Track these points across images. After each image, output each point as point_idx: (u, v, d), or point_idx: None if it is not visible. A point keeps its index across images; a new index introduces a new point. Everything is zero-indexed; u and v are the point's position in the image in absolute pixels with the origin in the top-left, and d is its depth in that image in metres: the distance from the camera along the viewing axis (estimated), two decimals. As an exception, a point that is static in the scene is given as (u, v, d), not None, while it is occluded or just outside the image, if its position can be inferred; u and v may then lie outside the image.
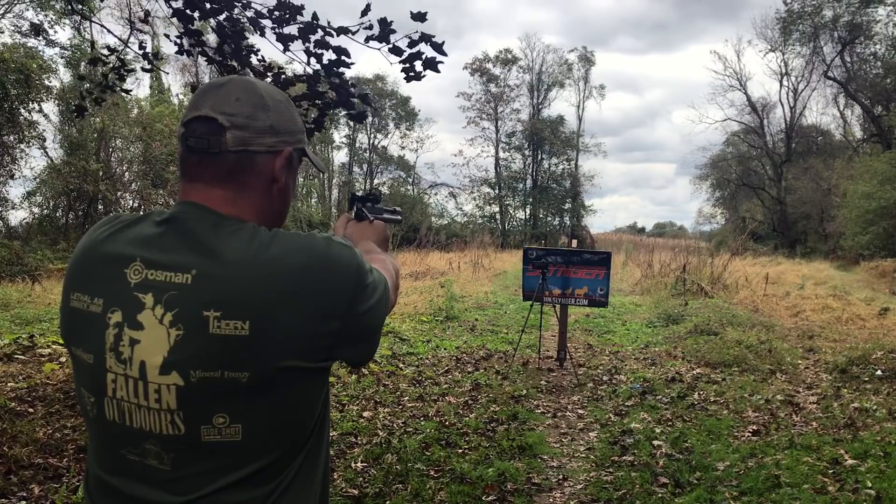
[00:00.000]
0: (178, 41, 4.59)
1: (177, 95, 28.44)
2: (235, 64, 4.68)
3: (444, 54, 4.02)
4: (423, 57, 4.07)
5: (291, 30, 4.20)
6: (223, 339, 0.91)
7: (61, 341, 6.96)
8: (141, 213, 1.10)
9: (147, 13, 4.89)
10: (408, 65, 4.10)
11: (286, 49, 4.21)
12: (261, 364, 0.93)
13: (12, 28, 18.87)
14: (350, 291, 0.98)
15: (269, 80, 4.65)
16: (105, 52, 4.97)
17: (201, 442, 0.95)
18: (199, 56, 4.75)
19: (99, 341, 0.98)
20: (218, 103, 1.01)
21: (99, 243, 1.04)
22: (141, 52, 4.86)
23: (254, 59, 4.65)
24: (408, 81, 4.19)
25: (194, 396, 0.93)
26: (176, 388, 0.93)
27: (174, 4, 4.30)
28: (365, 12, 3.89)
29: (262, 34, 4.24)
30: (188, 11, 4.29)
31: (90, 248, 1.05)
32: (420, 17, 3.91)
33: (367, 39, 4.00)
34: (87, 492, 1.08)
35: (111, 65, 4.83)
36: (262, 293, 0.92)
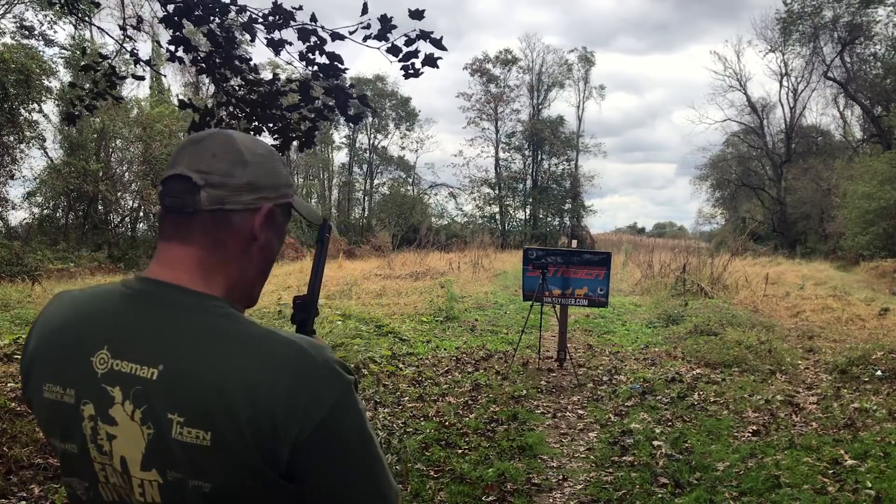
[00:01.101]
0: (169, 48, 4.59)
1: (176, 96, 28.44)
2: (227, 72, 4.68)
3: (444, 49, 4.01)
4: (422, 54, 4.07)
5: (287, 34, 4.19)
6: (184, 446, 0.87)
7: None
8: (99, 286, 1.04)
9: (140, 19, 4.88)
10: (406, 62, 4.10)
11: (277, 54, 4.21)
12: (222, 476, 0.88)
13: (12, 29, 18.88)
14: (325, 419, 0.88)
15: (261, 88, 4.65)
16: (97, 58, 4.97)
17: None
18: (191, 63, 4.74)
19: (78, 434, 0.94)
20: (194, 161, 0.97)
21: (61, 326, 0.98)
22: (132, 59, 4.85)
23: (245, 68, 4.65)
24: (406, 78, 4.19)
25: (174, 494, 0.90)
26: (158, 485, 0.90)
27: (168, 7, 4.30)
28: (364, 11, 3.89)
29: (254, 39, 4.24)
30: (176, 18, 4.28)
31: (53, 333, 0.99)
32: (417, 14, 3.91)
33: (366, 39, 4.00)
34: None
35: (102, 71, 4.83)
36: (226, 407, 0.86)
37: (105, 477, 0.94)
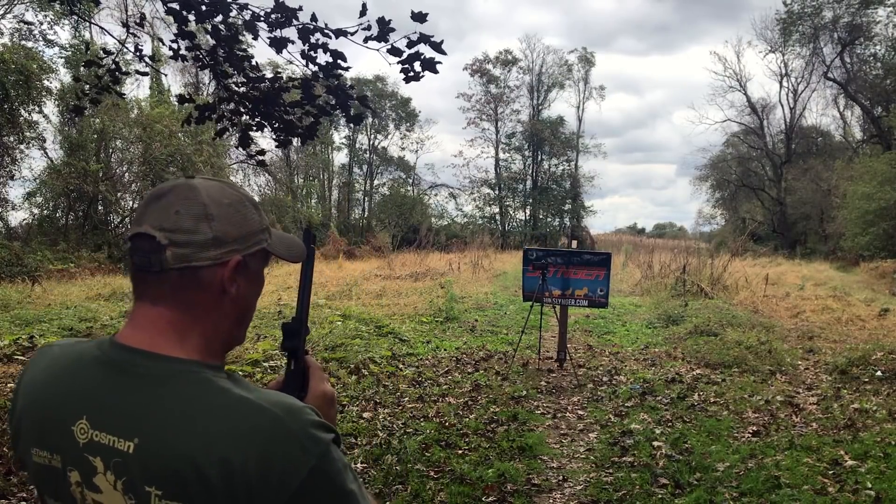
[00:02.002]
0: (173, 45, 4.59)
1: (176, 96, 28.46)
2: (229, 69, 4.68)
3: (444, 53, 4.02)
4: (422, 57, 4.07)
5: (288, 32, 4.20)
6: None
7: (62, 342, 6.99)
8: (79, 344, 1.03)
9: (143, 16, 4.88)
10: (407, 66, 4.10)
11: (279, 52, 4.21)
12: None
13: (12, 29, 18.88)
14: (301, 487, 0.87)
15: (263, 85, 4.65)
16: (101, 53, 4.97)
17: None
18: (193, 60, 4.74)
19: (68, 497, 0.96)
20: (157, 218, 0.95)
21: (43, 390, 0.99)
22: (136, 54, 4.86)
23: (246, 65, 4.65)
24: (407, 82, 4.20)
25: None
26: None
27: (171, 5, 4.30)
28: (363, 13, 3.89)
29: (256, 37, 4.24)
30: (183, 12, 4.28)
31: (36, 396, 1.00)
32: (420, 17, 3.91)
33: (366, 40, 4.00)
34: None
35: (106, 66, 4.83)
36: (200, 478, 0.86)
37: None
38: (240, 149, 5.02)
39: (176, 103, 25.75)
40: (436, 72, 4.10)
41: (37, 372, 1.02)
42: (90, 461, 0.92)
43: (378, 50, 4.02)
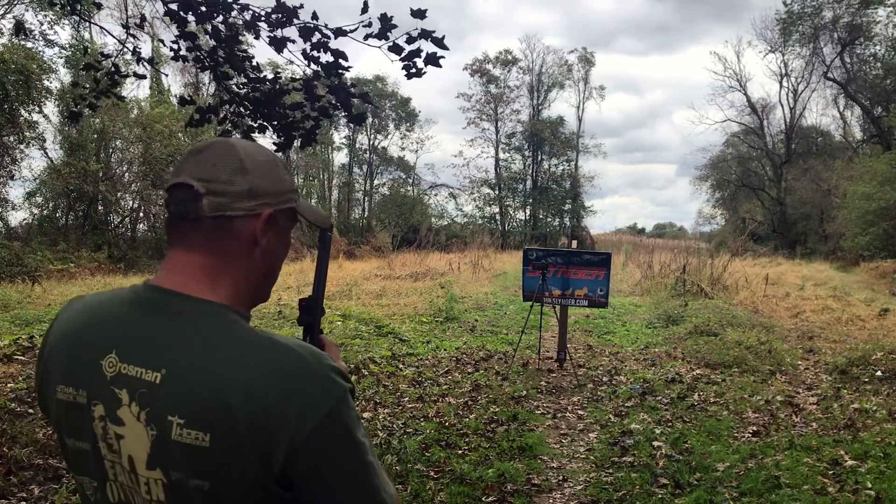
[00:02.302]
0: (174, 46, 4.58)
1: (176, 96, 28.46)
2: (229, 70, 4.67)
3: (446, 48, 4.00)
4: (424, 53, 4.06)
5: (289, 32, 4.19)
6: (184, 447, 0.90)
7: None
8: (110, 291, 1.07)
9: (143, 18, 4.88)
10: (408, 62, 4.09)
11: (280, 52, 4.21)
12: (220, 477, 0.90)
13: (10, 27, 18.85)
14: (320, 425, 0.90)
15: (264, 87, 4.65)
16: (99, 57, 4.97)
17: None
18: (194, 62, 4.74)
19: (90, 432, 0.98)
20: (196, 170, 1.01)
21: (74, 331, 1.02)
22: (135, 57, 4.85)
23: (247, 66, 4.65)
24: (409, 78, 4.18)
25: (177, 493, 0.93)
26: (162, 484, 0.93)
27: (171, 6, 4.30)
28: (364, 10, 3.89)
29: (258, 37, 4.23)
30: (182, 13, 4.28)
31: (66, 338, 1.03)
32: (420, 14, 3.90)
33: (367, 37, 3.99)
34: None
35: (105, 70, 4.83)
36: (224, 409, 0.89)
37: (114, 475, 0.98)
38: None
39: (176, 104, 25.78)
40: (439, 66, 4.09)
41: (68, 316, 1.05)
42: (116, 394, 0.94)
43: (379, 48, 4.01)
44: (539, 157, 46.36)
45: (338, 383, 0.93)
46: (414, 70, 4.12)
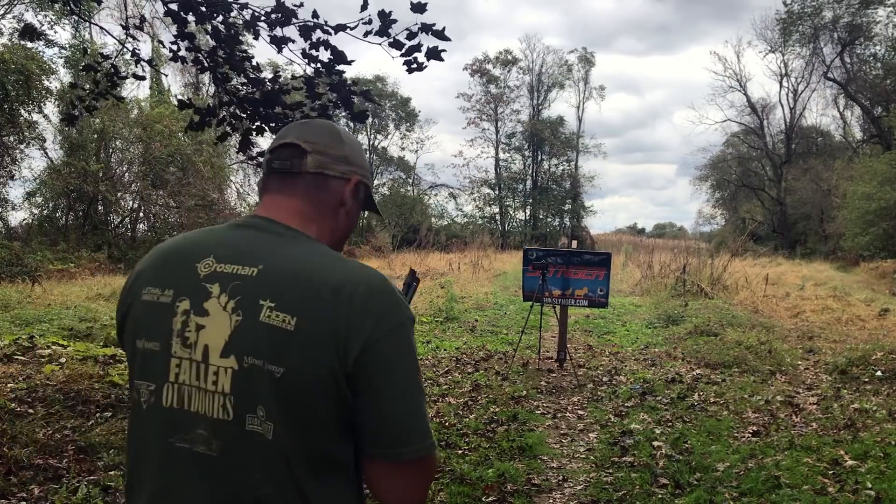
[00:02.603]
0: (173, 46, 4.58)
1: (176, 96, 28.44)
2: (228, 71, 4.67)
3: (448, 40, 3.96)
4: (425, 48, 4.04)
5: (289, 31, 4.19)
6: (270, 329, 1.00)
7: (62, 342, 6.96)
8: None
9: (143, 18, 4.87)
10: (409, 57, 4.08)
11: (280, 51, 4.21)
12: (295, 362, 0.99)
13: (12, 29, 18.87)
14: (392, 332, 1.02)
15: (264, 87, 4.65)
16: (99, 57, 4.97)
17: (245, 430, 1.00)
18: (193, 62, 4.73)
19: (166, 329, 1.07)
20: (302, 133, 1.18)
21: (172, 248, 1.16)
22: (134, 58, 4.84)
23: (247, 66, 4.64)
24: (410, 73, 4.17)
25: (244, 382, 1.00)
26: (231, 372, 1.01)
27: (171, 6, 4.30)
28: (364, 7, 3.89)
29: (257, 37, 4.23)
30: (182, 14, 4.28)
31: (162, 253, 1.17)
32: (419, 7, 3.89)
33: (367, 34, 3.99)
34: (128, 489, 1.13)
35: (103, 71, 4.82)
36: (314, 298, 1.01)
37: (176, 375, 1.06)
38: (241, 153, 5.01)
39: (176, 103, 25.77)
40: (441, 59, 4.07)
41: (163, 245, 1.20)
42: (206, 288, 1.06)
43: (380, 44, 4.01)
44: (539, 157, 46.35)
45: (409, 309, 1.08)
46: (415, 65, 4.11)
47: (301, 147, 1.16)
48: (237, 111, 4.77)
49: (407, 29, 3.99)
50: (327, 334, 0.99)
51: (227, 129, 4.82)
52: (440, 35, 3.96)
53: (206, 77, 29.56)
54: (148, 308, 1.10)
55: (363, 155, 1.27)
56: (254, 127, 4.81)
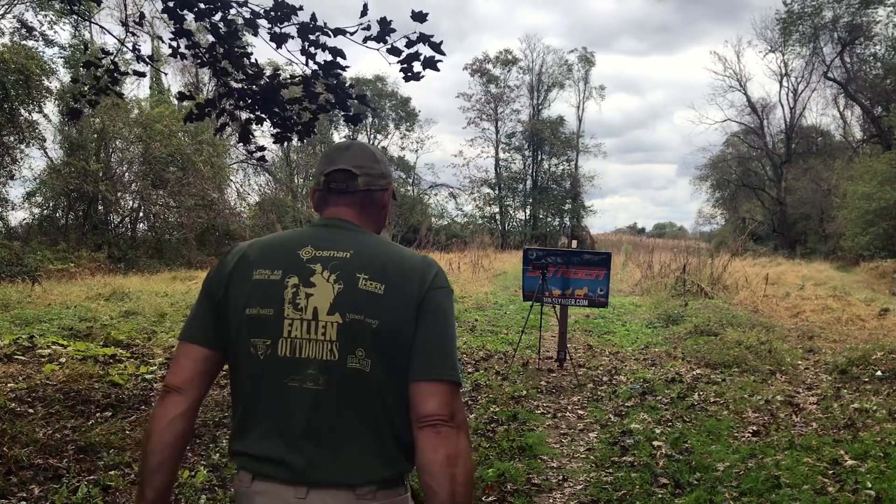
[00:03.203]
0: (172, 43, 4.59)
1: (176, 94, 28.41)
2: (228, 66, 4.67)
3: (443, 54, 4.02)
4: (422, 57, 4.07)
5: (288, 30, 4.20)
6: (366, 293, 1.38)
7: (62, 342, 6.96)
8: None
9: (142, 15, 4.87)
10: (406, 65, 4.10)
11: (279, 47, 4.21)
12: (386, 316, 1.37)
13: (11, 29, 18.88)
14: (434, 292, 1.43)
15: (262, 82, 4.66)
16: (100, 54, 4.97)
17: (346, 368, 1.36)
18: (193, 58, 4.74)
19: (278, 299, 1.41)
20: (351, 160, 1.53)
21: (269, 242, 1.51)
22: (135, 55, 4.85)
23: (246, 62, 4.65)
24: (406, 81, 4.19)
25: (346, 332, 1.37)
26: (336, 325, 1.38)
27: (169, 3, 4.30)
28: (363, 13, 3.89)
29: (256, 33, 4.24)
30: (179, 11, 4.28)
31: (262, 246, 1.50)
32: (420, 17, 3.90)
33: (366, 40, 4.00)
34: (241, 425, 1.44)
35: (104, 67, 4.82)
36: (393, 269, 1.41)
37: (289, 331, 1.40)
38: (240, 147, 5.03)
39: (176, 102, 25.76)
40: (437, 69, 4.10)
41: (255, 242, 1.52)
42: (310, 268, 1.42)
43: (378, 50, 4.02)
44: (539, 157, 46.34)
45: (447, 281, 1.48)
46: (411, 73, 4.13)
47: (352, 172, 1.52)
48: (238, 103, 4.78)
49: (405, 37, 4.01)
50: (405, 295, 1.38)
51: (227, 119, 4.82)
52: (436, 48, 3.99)
53: (206, 76, 29.58)
54: (259, 285, 1.42)
55: (388, 164, 1.63)
56: (252, 118, 4.82)
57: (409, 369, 1.37)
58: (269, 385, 1.39)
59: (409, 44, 4.02)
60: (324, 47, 4.25)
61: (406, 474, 1.43)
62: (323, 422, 1.36)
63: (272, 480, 1.36)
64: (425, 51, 4.06)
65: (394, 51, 4.03)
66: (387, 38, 3.99)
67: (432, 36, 3.97)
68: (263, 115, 4.76)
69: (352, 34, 4.01)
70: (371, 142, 44.58)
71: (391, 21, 3.97)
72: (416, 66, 4.09)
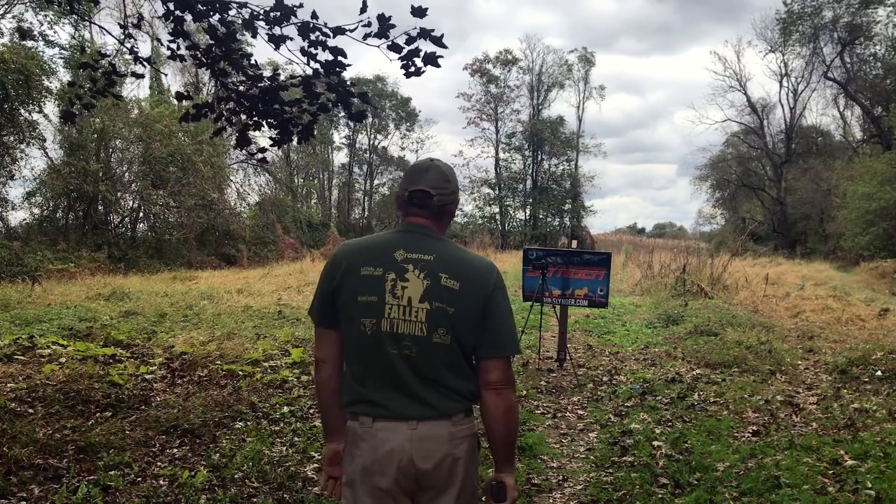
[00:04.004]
0: (171, 45, 4.58)
1: (175, 94, 28.39)
2: (227, 67, 4.67)
3: (444, 47, 4.00)
4: (423, 52, 4.06)
5: (288, 30, 4.20)
6: (446, 288, 1.86)
7: (62, 342, 6.95)
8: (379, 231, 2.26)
9: (141, 17, 4.87)
10: (407, 61, 4.09)
11: (278, 48, 4.21)
12: (460, 305, 1.85)
13: (11, 29, 18.85)
14: (497, 289, 1.92)
15: (262, 84, 4.66)
16: (97, 55, 4.96)
17: (432, 341, 1.85)
18: (192, 59, 4.74)
19: (380, 289, 1.87)
20: (427, 182, 1.93)
21: (370, 242, 1.97)
22: (132, 57, 4.84)
23: (245, 63, 4.64)
24: (407, 77, 4.19)
25: (432, 315, 1.85)
26: (425, 310, 1.85)
27: (169, 5, 4.29)
28: (363, 10, 3.89)
29: (255, 35, 4.23)
30: (178, 12, 4.28)
31: (365, 245, 1.96)
32: (420, 12, 3.90)
33: (366, 37, 3.99)
34: (361, 380, 1.90)
35: (102, 69, 4.82)
36: (465, 271, 1.88)
37: (388, 313, 1.86)
38: (239, 149, 5.03)
39: (175, 103, 25.75)
40: (437, 65, 4.09)
41: (350, 244, 1.99)
42: (404, 266, 1.88)
43: (378, 47, 4.02)
44: (539, 157, 46.31)
45: (504, 282, 1.96)
46: (413, 69, 4.12)
47: (430, 193, 1.92)
48: (235, 107, 4.78)
49: (406, 33, 4.00)
50: (475, 293, 1.87)
51: (224, 123, 4.82)
52: (438, 42, 3.98)
53: (206, 76, 29.57)
54: (366, 279, 1.88)
55: (457, 178, 2.05)
56: (251, 123, 4.81)
57: (477, 347, 1.88)
58: (377, 352, 1.87)
59: (410, 40, 4.02)
60: (325, 46, 4.24)
61: (472, 408, 1.98)
62: (419, 377, 1.86)
63: (390, 419, 1.86)
64: (426, 46, 4.05)
65: (394, 47, 4.03)
66: (387, 34, 3.98)
67: (433, 30, 3.96)
68: (261, 121, 4.75)
69: (352, 31, 4.00)
70: (371, 142, 44.65)
71: (390, 17, 3.96)
72: (418, 62, 4.09)
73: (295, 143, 4.76)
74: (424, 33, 3.97)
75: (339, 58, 4.29)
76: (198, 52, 4.64)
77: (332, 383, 1.98)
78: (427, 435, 1.85)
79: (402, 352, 1.85)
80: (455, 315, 1.84)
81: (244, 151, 5.07)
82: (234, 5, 4.29)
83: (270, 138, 4.94)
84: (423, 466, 1.85)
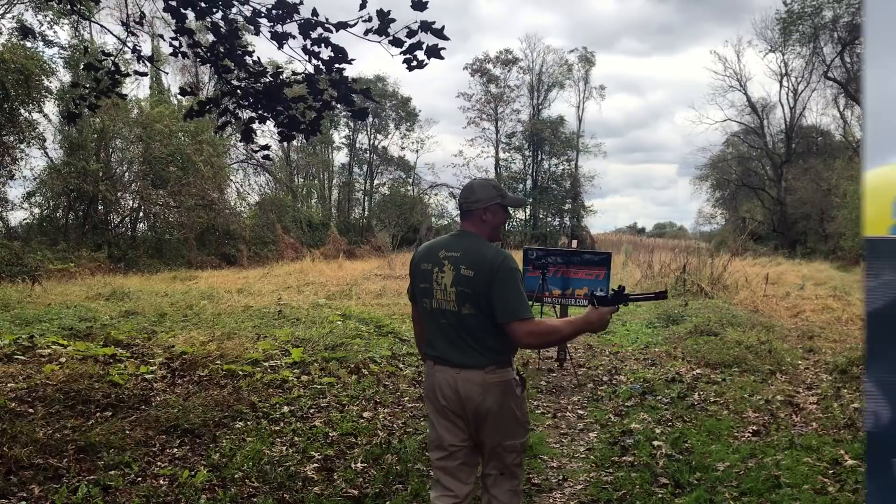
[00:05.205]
0: (173, 42, 4.58)
1: (176, 95, 28.39)
2: (229, 63, 4.67)
3: (446, 38, 3.97)
4: (425, 46, 4.05)
5: (289, 28, 4.20)
6: (465, 276, 2.58)
7: (62, 342, 6.96)
8: (445, 233, 3.20)
9: (143, 15, 4.87)
10: (409, 55, 4.08)
11: (281, 47, 4.21)
12: (477, 287, 2.56)
13: (11, 29, 18.85)
14: (500, 271, 2.56)
15: (265, 80, 4.66)
16: (101, 56, 4.96)
17: (462, 314, 2.60)
18: (194, 56, 4.74)
19: (430, 278, 2.68)
20: (461, 196, 2.74)
21: (431, 244, 2.77)
22: (135, 55, 4.84)
23: (248, 60, 4.64)
24: (410, 70, 4.17)
25: (459, 296, 2.59)
26: (455, 292, 2.60)
27: (171, 2, 4.29)
28: (363, 5, 3.89)
29: (258, 33, 4.23)
30: (181, 9, 4.28)
31: (427, 247, 2.78)
32: (420, 5, 3.89)
33: (367, 32, 3.99)
34: (428, 343, 2.77)
35: (105, 69, 4.82)
36: (478, 261, 2.59)
37: (435, 295, 2.66)
38: (242, 146, 5.04)
39: (176, 102, 25.75)
40: (441, 57, 4.08)
41: (423, 246, 2.80)
42: (443, 262, 2.66)
43: (379, 42, 4.01)
44: (539, 157, 46.30)
45: (516, 262, 2.63)
46: (415, 63, 4.11)
47: (463, 204, 2.73)
48: (240, 102, 4.77)
49: (407, 27, 4.00)
50: (484, 276, 2.55)
51: (229, 117, 4.81)
52: (439, 34, 3.97)
53: (206, 76, 29.56)
54: (424, 271, 2.71)
55: (488, 191, 2.73)
56: (255, 116, 4.80)
57: (493, 316, 2.55)
58: (433, 322, 2.70)
59: (411, 33, 4.01)
60: (326, 43, 4.24)
61: (510, 360, 2.70)
62: (458, 338, 2.63)
63: (444, 364, 2.67)
64: (428, 39, 4.05)
65: (396, 42, 4.02)
66: (388, 29, 3.98)
67: (434, 23, 3.95)
68: (266, 114, 4.75)
69: (352, 26, 4.00)
70: (371, 141, 44.61)
71: (389, 12, 3.96)
72: (420, 55, 4.08)
73: (302, 138, 4.78)
74: (426, 26, 3.97)
75: (340, 55, 4.29)
76: (200, 50, 4.64)
77: (419, 329, 2.90)
78: (466, 378, 2.62)
79: (447, 321, 2.64)
80: (472, 295, 2.56)
81: (248, 149, 5.08)
82: (237, 2, 4.29)
83: (278, 133, 4.93)
84: (466, 397, 2.63)
